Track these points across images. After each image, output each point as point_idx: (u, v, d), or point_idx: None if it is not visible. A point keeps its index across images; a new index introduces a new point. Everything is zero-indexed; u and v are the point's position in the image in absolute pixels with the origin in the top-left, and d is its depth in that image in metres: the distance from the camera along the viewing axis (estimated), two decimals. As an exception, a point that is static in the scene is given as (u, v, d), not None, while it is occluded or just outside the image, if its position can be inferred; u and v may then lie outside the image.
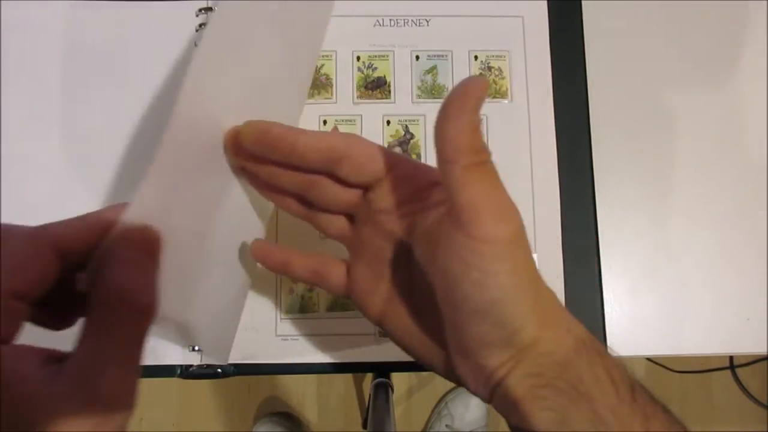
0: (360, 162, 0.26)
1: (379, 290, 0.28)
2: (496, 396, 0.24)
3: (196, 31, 0.42)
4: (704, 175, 0.42)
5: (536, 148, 0.41)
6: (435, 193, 0.25)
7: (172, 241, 0.23)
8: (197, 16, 0.42)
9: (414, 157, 0.40)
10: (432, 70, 0.42)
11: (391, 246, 0.27)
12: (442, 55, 0.42)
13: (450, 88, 0.39)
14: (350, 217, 0.29)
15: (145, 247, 0.22)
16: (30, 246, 0.20)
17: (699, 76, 0.44)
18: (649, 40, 0.44)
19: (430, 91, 0.41)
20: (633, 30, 0.44)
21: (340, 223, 0.29)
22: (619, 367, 0.23)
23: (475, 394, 0.26)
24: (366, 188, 0.27)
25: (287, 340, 0.39)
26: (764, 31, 0.44)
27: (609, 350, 0.24)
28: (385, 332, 0.29)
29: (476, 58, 0.42)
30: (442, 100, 0.39)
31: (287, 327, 0.39)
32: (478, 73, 0.41)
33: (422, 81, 0.41)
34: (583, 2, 0.43)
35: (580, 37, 0.42)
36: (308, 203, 0.29)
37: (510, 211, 0.22)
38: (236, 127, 0.27)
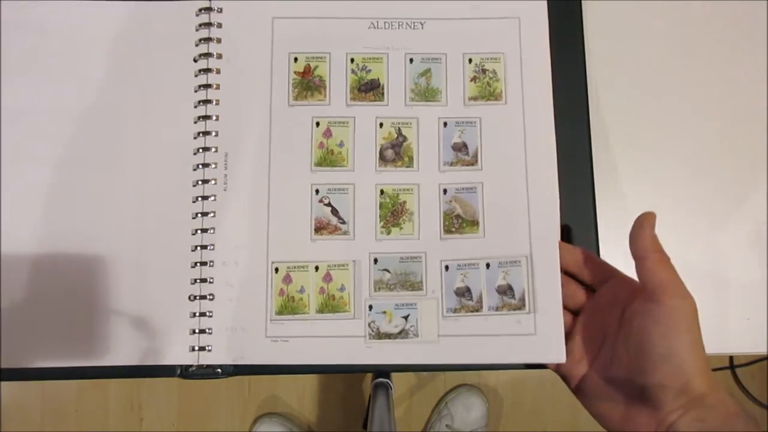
0: (593, 271, 0.38)
1: (584, 356, 0.37)
2: None
3: (196, 30, 0.42)
4: (704, 175, 0.42)
5: (533, 149, 0.41)
6: (639, 293, 0.34)
7: None
8: (197, 16, 0.42)
9: (406, 159, 0.41)
10: (426, 72, 0.41)
11: (605, 325, 0.36)
12: (436, 58, 0.42)
13: (443, 90, 0.41)
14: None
15: None
16: None
17: (699, 75, 0.44)
18: (649, 40, 0.44)
19: (423, 94, 0.41)
20: (633, 30, 0.44)
21: (581, 295, 0.38)
22: None
23: None
24: (595, 284, 0.38)
25: (277, 341, 0.38)
26: (764, 30, 0.44)
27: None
28: (578, 387, 0.37)
29: (470, 61, 0.42)
30: (435, 103, 0.41)
31: (277, 328, 0.39)
32: (471, 75, 0.41)
33: (416, 84, 0.41)
34: (583, 2, 0.43)
35: (580, 37, 0.42)
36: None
37: (689, 294, 0.32)
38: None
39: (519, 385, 1.17)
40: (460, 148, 0.40)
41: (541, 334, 0.38)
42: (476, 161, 0.40)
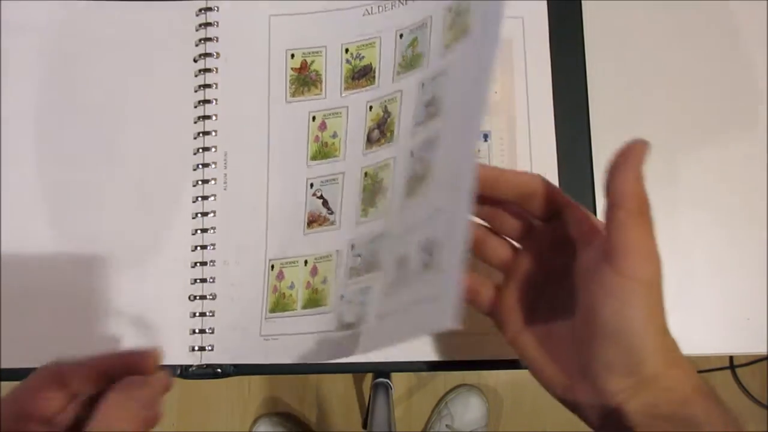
0: (545, 199, 0.30)
1: (521, 314, 0.31)
2: (608, 421, 0.27)
3: (196, 30, 0.42)
4: (704, 176, 0.42)
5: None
6: (598, 238, 0.28)
7: None
8: (197, 16, 0.42)
9: (388, 135, 0.38)
10: (413, 42, 0.39)
11: (546, 276, 0.31)
12: (423, 24, 0.39)
13: (426, 53, 0.37)
14: (510, 247, 0.33)
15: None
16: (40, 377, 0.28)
17: (699, 75, 0.44)
18: (650, 40, 0.44)
19: (409, 63, 0.39)
20: (633, 30, 0.44)
21: (505, 250, 0.33)
22: (732, 418, 0.25)
23: (583, 418, 0.28)
24: (543, 220, 0.31)
25: (269, 340, 0.38)
26: (764, 30, 0.44)
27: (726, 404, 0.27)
28: (517, 352, 0.32)
29: (450, 9, 0.38)
30: (417, 69, 0.38)
31: (270, 326, 0.38)
32: (449, 23, 0.38)
33: (403, 57, 0.40)
34: (583, 2, 0.43)
35: (580, 37, 0.42)
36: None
37: (655, 258, 0.26)
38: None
39: (519, 385, 1.16)
40: (430, 102, 0.36)
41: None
42: (439, 111, 0.34)
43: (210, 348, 0.38)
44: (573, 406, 0.29)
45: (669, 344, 0.27)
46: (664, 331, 0.26)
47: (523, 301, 0.31)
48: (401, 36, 0.40)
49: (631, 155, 0.26)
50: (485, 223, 0.33)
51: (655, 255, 0.26)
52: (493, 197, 0.31)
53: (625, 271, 0.25)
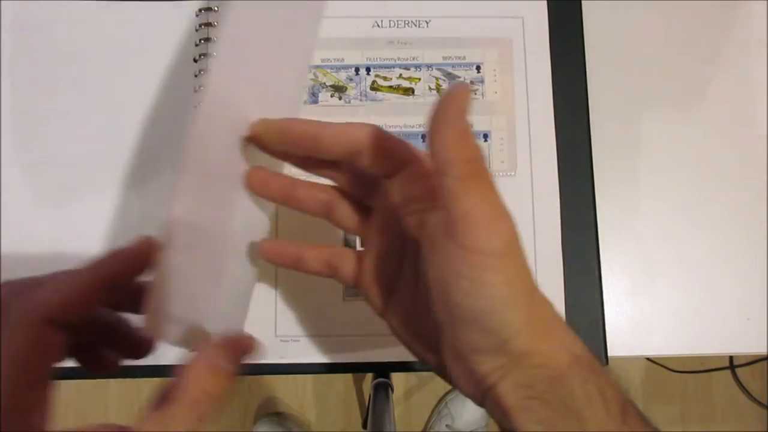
0: (379, 154, 0.26)
1: (385, 283, 0.28)
2: (487, 401, 0.24)
3: (196, 30, 0.42)
4: (704, 175, 0.42)
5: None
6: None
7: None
8: (197, 16, 0.42)
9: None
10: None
11: (401, 240, 0.27)
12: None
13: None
14: (366, 210, 0.29)
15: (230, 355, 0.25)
16: (70, 276, 0.25)
17: (700, 75, 0.44)
18: (650, 40, 0.44)
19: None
20: (633, 30, 0.44)
21: (356, 215, 0.29)
22: (612, 386, 0.23)
23: (467, 396, 0.26)
24: (386, 177, 0.27)
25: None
26: (764, 30, 0.44)
27: (605, 368, 0.25)
28: (389, 326, 0.29)
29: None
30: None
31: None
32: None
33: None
34: (583, 2, 0.43)
35: (580, 37, 0.42)
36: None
37: (503, 222, 0.22)
38: (256, 127, 0.28)
39: (519, 385, 1.16)
40: None
41: None
42: None
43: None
44: (454, 385, 0.26)
45: (539, 314, 0.24)
46: (529, 303, 0.23)
47: (382, 271, 0.28)
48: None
49: (450, 107, 0.21)
50: (331, 182, 0.30)
51: (500, 220, 0.22)
52: (319, 157, 0.27)
53: (470, 244, 0.21)
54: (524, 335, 0.23)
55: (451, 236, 0.22)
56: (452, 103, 0.21)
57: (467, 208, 0.21)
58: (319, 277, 0.30)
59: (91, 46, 0.42)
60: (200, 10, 0.42)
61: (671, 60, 0.44)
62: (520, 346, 0.23)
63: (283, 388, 1.17)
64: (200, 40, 0.41)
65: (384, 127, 0.41)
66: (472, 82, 0.42)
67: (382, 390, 0.75)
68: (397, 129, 0.41)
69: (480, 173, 0.22)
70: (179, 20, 0.42)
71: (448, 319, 0.24)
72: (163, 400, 0.23)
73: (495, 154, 0.41)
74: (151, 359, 0.38)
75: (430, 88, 0.42)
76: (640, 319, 0.40)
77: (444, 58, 0.42)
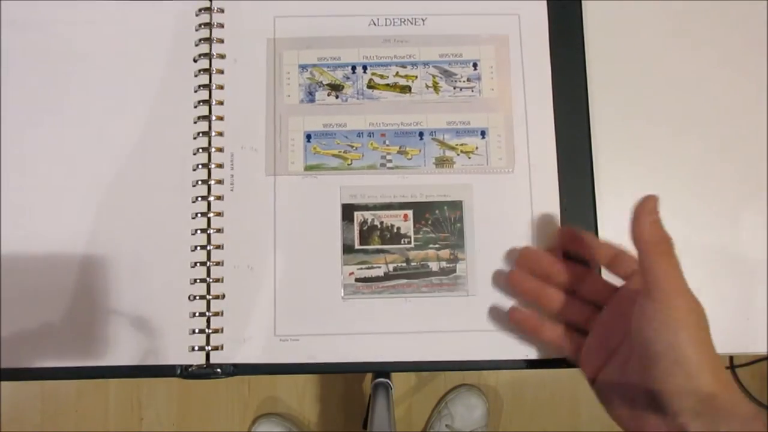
0: (626, 263, 0.36)
1: (601, 358, 0.35)
2: None
3: (196, 30, 0.42)
4: (704, 174, 0.42)
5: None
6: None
7: None
8: (197, 16, 0.42)
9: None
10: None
11: (624, 325, 0.33)
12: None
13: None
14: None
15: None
16: None
17: (700, 74, 0.44)
18: (650, 40, 0.44)
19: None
20: (633, 30, 0.44)
21: (587, 311, 0.37)
22: None
23: None
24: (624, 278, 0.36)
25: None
26: (765, 30, 0.44)
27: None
28: (595, 389, 0.35)
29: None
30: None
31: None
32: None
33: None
34: (583, 2, 0.43)
35: (580, 35, 0.42)
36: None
37: (686, 290, 0.30)
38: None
39: (519, 385, 1.16)
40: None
41: None
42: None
43: (210, 348, 0.38)
44: None
45: (719, 367, 0.29)
46: (713, 354, 0.29)
47: (604, 349, 0.35)
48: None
49: (646, 205, 0.31)
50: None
51: (686, 288, 0.30)
52: (587, 260, 0.38)
53: (663, 300, 0.30)
54: (710, 376, 0.28)
55: (647, 297, 0.30)
56: (647, 203, 0.31)
57: (658, 275, 0.30)
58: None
59: (91, 46, 0.42)
60: (200, 10, 0.42)
61: (672, 59, 0.44)
62: (707, 386, 0.28)
63: (283, 388, 1.17)
64: (200, 40, 0.41)
65: (381, 125, 0.41)
66: (468, 79, 0.42)
67: (382, 390, 0.75)
68: (394, 127, 0.41)
69: (670, 252, 0.31)
70: (179, 20, 0.42)
71: (647, 361, 0.30)
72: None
73: (492, 152, 0.41)
74: (151, 359, 0.39)
75: (426, 86, 0.42)
76: (640, 319, 0.40)
77: (440, 55, 0.42)
